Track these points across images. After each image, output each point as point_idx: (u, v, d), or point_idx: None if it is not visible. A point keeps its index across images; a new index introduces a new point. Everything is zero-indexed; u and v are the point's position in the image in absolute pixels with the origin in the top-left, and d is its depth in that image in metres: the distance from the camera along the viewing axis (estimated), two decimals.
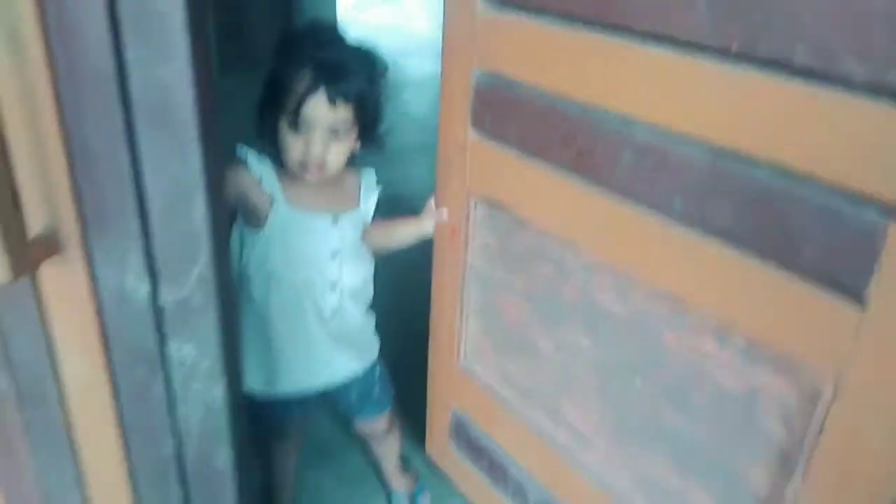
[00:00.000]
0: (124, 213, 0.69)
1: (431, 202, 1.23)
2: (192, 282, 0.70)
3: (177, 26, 0.61)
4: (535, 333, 1.11)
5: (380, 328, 1.33)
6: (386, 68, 1.11)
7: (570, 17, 0.85)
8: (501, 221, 1.10)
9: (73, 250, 0.72)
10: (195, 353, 0.72)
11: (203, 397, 0.73)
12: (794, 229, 0.69)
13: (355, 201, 1.20)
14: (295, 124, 1.05)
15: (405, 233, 1.27)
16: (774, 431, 0.78)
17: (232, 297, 0.76)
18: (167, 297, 0.72)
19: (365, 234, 1.23)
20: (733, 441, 0.83)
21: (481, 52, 0.99)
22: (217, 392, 0.72)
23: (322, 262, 1.15)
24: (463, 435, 1.34)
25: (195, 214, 0.68)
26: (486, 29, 0.97)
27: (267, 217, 1.10)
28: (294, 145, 1.07)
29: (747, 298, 0.76)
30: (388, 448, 1.48)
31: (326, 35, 1.10)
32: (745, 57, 0.69)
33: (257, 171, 1.09)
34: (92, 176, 0.68)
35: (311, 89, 1.02)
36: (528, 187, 1.01)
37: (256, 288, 1.14)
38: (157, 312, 0.73)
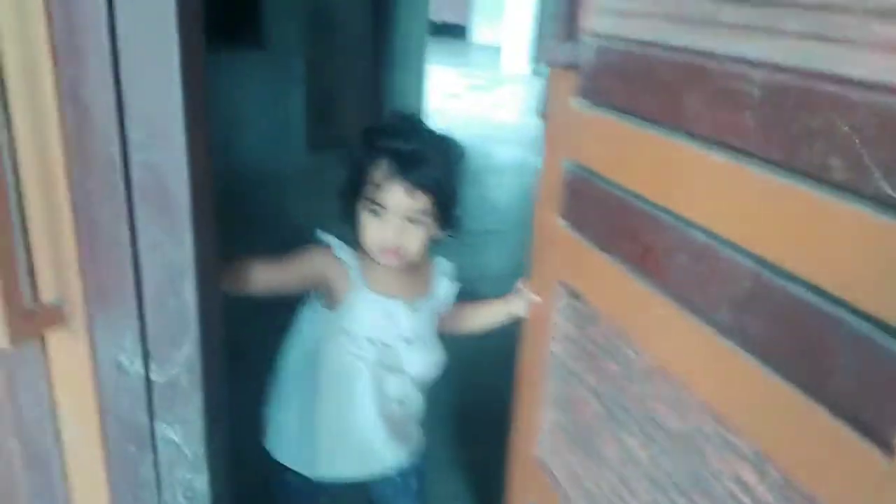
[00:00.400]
0: (123, 291, 0.70)
1: (521, 284, 1.23)
2: (180, 363, 0.70)
3: (174, 114, 0.63)
4: (601, 435, 1.08)
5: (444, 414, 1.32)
6: (463, 155, 1.14)
7: (643, 116, 0.87)
8: (581, 312, 1.09)
9: (77, 322, 0.74)
10: (180, 438, 0.71)
11: (185, 487, 0.72)
12: (826, 356, 0.63)
13: (431, 288, 1.22)
14: (374, 211, 1.08)
15: (495, 314, 1.28)
16: None
17: (220, 384, 0.76)
18: (157, 376, 0.72)
19: (451, 316, 1.25)
20: None
21: (572, 145, 1.05)
22: (199, 484, 0.71)
23: (395, 347, 1.15)
24: None
25: (186, 296, 0.68)
26: (577, 123, 1.02)
27: (344, 298, 1.12)
28: (372, 231, 1.09)
29: (782, 427, 0.69)
30: None
31: (405, 124, 1.14)
32: (786, 167, 0.66)
33: (339, 252, 1.12)
34: (97, 253, 0.71)
35: (388, 178, 1.05)
36: (601, 279, 1.01)
37: (321, 367, 1.15)
38: (149, 390, 0.74)
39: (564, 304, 1.13)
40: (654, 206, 0.86)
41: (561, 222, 1.09)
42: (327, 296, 1.14)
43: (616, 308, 0.99)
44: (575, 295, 1.09)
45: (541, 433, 1.24)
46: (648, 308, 0.89)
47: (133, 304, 0.73)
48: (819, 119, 0.63)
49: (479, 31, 12.68)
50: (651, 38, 0.84)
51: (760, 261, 0.70)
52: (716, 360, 0.78)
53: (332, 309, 1.13)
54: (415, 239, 1.10)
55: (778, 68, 0.67)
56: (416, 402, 1.22)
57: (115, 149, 0.67)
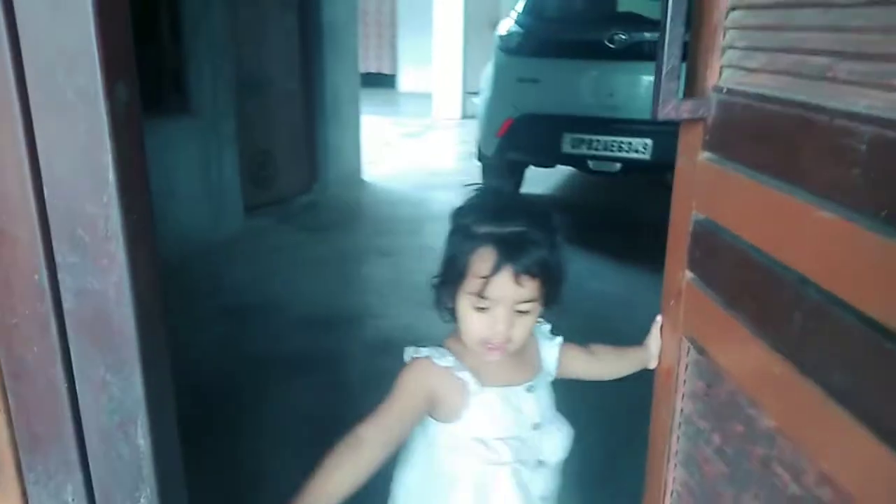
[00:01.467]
0: (62, 440, 0.59)
1: (656, 329, 1.19)
2: None
3: (112, 224, 0.54)
4: (724, 497, 1.04)
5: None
6: (560, 225, 1.05)
7: (763, 170, 0.89)
8: (706, 368, 1.08)
9: (6, 475, 0.62)
10: None
11: None
12: None
13: (539, 362, 1.14)
14: (479, 306, 0.99)
15: (628, 360, 1.23)
16: None
17: None
18: None
19: (581, 358, 1.20)
20: None
21: (699, 199, 1.06)
22: None
23: (528, 438, 1.06)
24: None
25: (139, 442, 0.57)
26: (706, 178, 1.04)
27: (462, 406, 1.03)
28: (478, 326, 1.01)
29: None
30: None
31: (501, 203, 1.05)
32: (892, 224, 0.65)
33: (444, 361, 1.03)
34: (26, 398, 0.59)
35: (495, 270, 0.97)
36: (725, 336, 1.00)
37: (456, 485, 1.05)
38: None
39: (691, 360, 1.11)
40: (773, 261, 0.85)
41: (688, 275, 1.09)
42: (441, 410, 1.04)
43: (738, 365, 0.97)
44: (701, 350, 1.08)
45: (670, 494, 1.21)
46: (767, 367, 0.88)
47: (74, 454, 0.61)
48: None
49: (407, 80, 12.83)
50: (771, 94, 0.86)
51: (871, 322, 0.67)
52: (829, 427, 0.75)
53: (451, 421, 1.03)
54: (524, 328, 1.02)
55: (887, 123, 0.65)
56: (555, 491, 1.13)
57: (43, 274, 0.57)
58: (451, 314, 1.05)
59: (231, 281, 3.65)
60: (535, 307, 1.02)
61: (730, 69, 0.95)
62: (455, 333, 1.07)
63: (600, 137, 4.27)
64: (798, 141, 0.79)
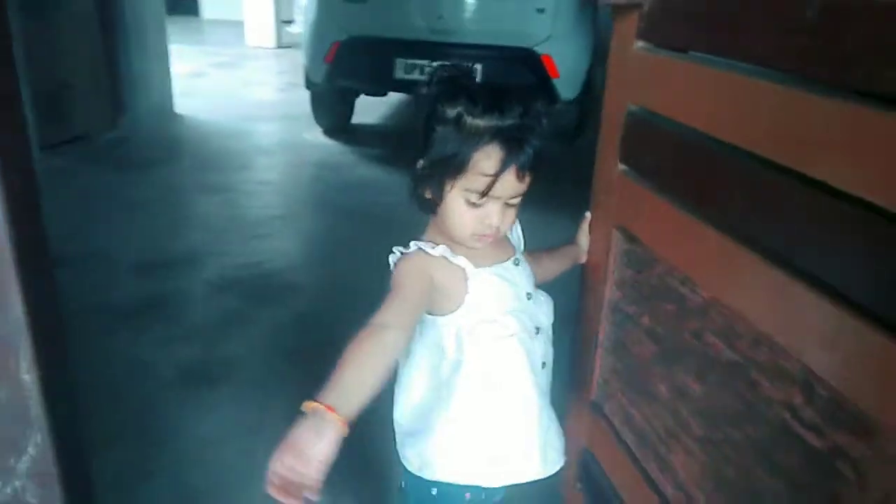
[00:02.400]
0: None
1: (586, 226, 1.24)
2: (22, 473, 0.48)
3: None
4: (655, 375, 1.09)
5: None
6: (544, 111, 1.01)
7: (701, 52, 0.92)
8: (637, 256, 1.12)
9: None
10: None
11: None
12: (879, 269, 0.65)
13: (514, 239, 1.16)
14: (475, 200, 0.98)
15: (564, 259, 1.27)
16: (853, 497, 0.72)
17: (87, 486, 0.54)
18: None
19: (534, 263, 1.19)
20: None
21: (634, 89, 1.07)
22: None
23: (525, 307, 1.08)
24: (590, 476, 1.31)
25: (22, 378, 0.46)
26: (640, 66, 1.05)
27: (463, 291, 1.03)
28: (471, 220, 1.00)
29: (829, 345, 0.72)
30: None
31: (492, 90, 0.99)
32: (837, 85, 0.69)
33: (436, 251, 1.01)
34: None
35: (502, 168, 0.95)
36: (658, 221, 1.03)
37: (473, 369, 1.05)
38: None
39: (620, 250, 1.14)
40: (712, 139, 0.87)
41: (620, 167, 1.10)
42: (441, 301, 1.03)
43: (672, 248, 1.01)
44: (632, 239, 1.11)
45: (596, 380, 1.25)
46: (704, 244, 0.91)
47: None
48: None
49: (211, 7, 11.84)
50: None
51: (813, 182, 0.70)
52: (767, 288, 0.79)
53: (454, 310, 1.03)
54: (511, 218, 1.03)
55: None
56: (551, 362, 1.14)
57: None
58: (429, 206, 1.03)
59: None
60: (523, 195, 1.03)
61: None
62: (433, 226, 1.07)
63: (433, 63, 4.23)
64: (739, 16, 0.81)
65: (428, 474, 1.10)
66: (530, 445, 1.09)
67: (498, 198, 0.98)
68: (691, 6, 0.92)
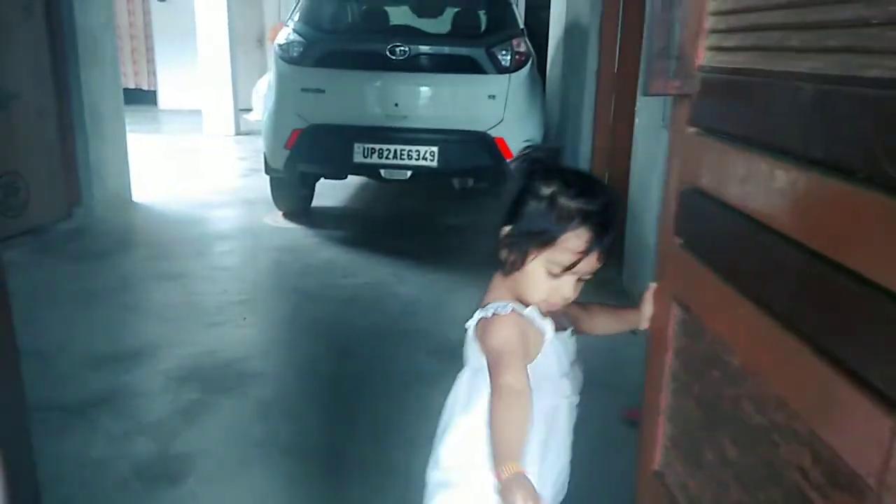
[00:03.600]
0: None
1: (650, 294, 1.28)
2: None
3: None
4: (702, 442, 1.14)
5: None
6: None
7: (739, 137, 1.01)
8: (690, 325, 1.18)
9: None
10: None
11: None
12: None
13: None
14: (556, 272, 1.09)
15: (622, 321, 1.33)
16: None
17: None
18: None
19: (586, 315, 1.27)
20: None
21: (687, 170, 1.17)
22: None
23: (571, 374, 1.18)
24: None
25: None
26: (692, 149, 1.15)
27: (538, 350, 1.13)
28: (548, 289, 1.11)
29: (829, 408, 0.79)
30: None
31: (580, 174, 1.14)
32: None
33: (526, 312, 1.12)
34: None
35: (589, 250, 1.06)
36: (707, 292, 1.10)
37: (536, 422, 1.13)
38: None
39: (678, 319, 1.21)
40: (752, 219, 0.95)
41: (676, 241, 1.20)
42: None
43: (717, 318, 1.08)
44: (686, 309, 1.18)
45: (659, 448, 1.30)
46: (737, 312, 0.99)
47: None
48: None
49: (168, 97, 11.97)
50: (743, 66, 0.98)
51: (842, 268, 0.76)
52: (783, 354, 0.87)
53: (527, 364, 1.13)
54: (579, 290, 1.14)
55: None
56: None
57: None
58: (508, 268, 1.12)
59: None
60: None
61: (712, 51, 1.08)
62: (503, 288, 1.15)
63: (390, 146, 4.33)
64: (769, 106, 0.91)
65: None
66: (552, 490, 1.22)
67: (576, 273, 1.09)
68: (728, 98, 1.04)
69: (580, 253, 1.06)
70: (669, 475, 1.29)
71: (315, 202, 5.37)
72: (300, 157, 4.46)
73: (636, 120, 3.56)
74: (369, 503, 1.97)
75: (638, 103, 3.57)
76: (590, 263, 1.08)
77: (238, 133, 9.43)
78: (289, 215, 5.10)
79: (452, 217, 5.34)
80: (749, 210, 0.97)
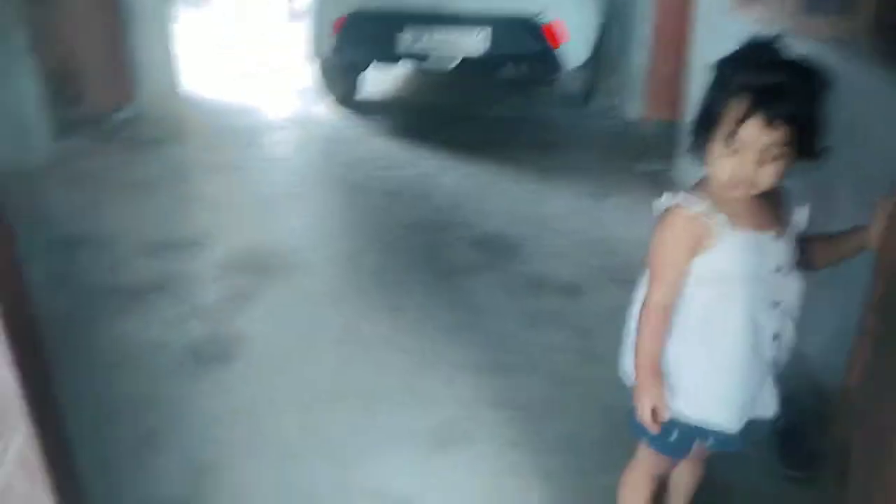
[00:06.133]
0: None
1: (880, 211, 1.22)
2: (7, 462, 0.50)
3: None
4: None
5: None
6: (827, 81, 1.10)
7: None
8: None
9: None
10: None
11: None
12: None
13: (787, 216, 1.22)
14: (730, 149, 1.09)
15: (847, 247, 1.28)
16: None
17: (73, 478, 0.56)
18: None
19: (807, 248, 1.25)
20: None
21: None
22: None
23: (767, 280, 1.17)
24: None
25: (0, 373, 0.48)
26: None
27: (710, 245, 1.14)
28: (727, 168, 1.10)
29: None
30: (693, 476, 1.50)
31: (764, 55, 1.10)
32: None
33: (697, 206, 1.13)
34: None
35: (747, 115, 1.05)
36: None
37: (696, 314, 1.19)
38: None
39: None
40: None
41: None
42: (698, 248, 1.16)
43: None
44: None
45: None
46: None
47: None
48: None
49: None
50: None
51: None
52: None
53: (698, 255, 1.16)
54: (769, 173, 1.10)
55: None
56: (790, 335, 1.23)
57: None
58: (703, 159, 1.14)
59: (53, 211, 3.25)
60: (785, 154, 1.08)
61: None
62: (704, 179, 1.17)
63: (437, 32, 4.19)
64: None
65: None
66: (728, 400, 1.22)
67: (750, 147, 1.07)
68: None
69: (737, 121, 1.06)
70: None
71: (364, 92, 5.30)
72: (346, 43, 4.36)
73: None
74: (408, 389, 2.06)
75: None
76: (755, 134, 1.06)
77: (290, 20, 9.26)
78: (337, 104, 5.06)
79: (502, 108, 5.20)
80: None
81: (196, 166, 4.05)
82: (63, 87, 4.23)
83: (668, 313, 1.18)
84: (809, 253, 1.26)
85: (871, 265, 1.31)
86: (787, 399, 1.68)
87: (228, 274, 2.72)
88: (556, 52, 4.19)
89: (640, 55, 4.54)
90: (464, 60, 4.24)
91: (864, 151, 1.84)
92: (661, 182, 3.31)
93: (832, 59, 2.04)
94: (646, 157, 3.90)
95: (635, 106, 4.62)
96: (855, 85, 1.91)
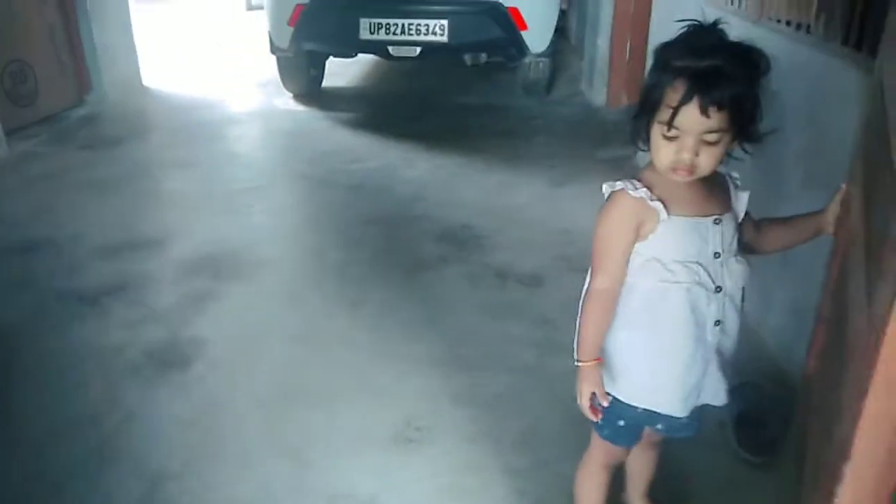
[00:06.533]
0: None
1: (838, 197, 1.24)
2: None
3: None
4: None
5: None
6: (767, 66, 1.09)
7: None
8: None
9: None
10: None
11: None
12: None
13: (728, 201, 1.22)
14: (667, 134, 1.09)
15: (802, 230, 1.30)
16: None
17: None
18: None
19: (754, 233, 1.27)
20: None
21: None
22: None
23: (706, 265, 1.17)
24: None
25: None
26: None
27: (650, 230, 1.16)
28: (666, 153, 1.10)
29: None
30: (649, 462, 1.52)
31: (700, 39, 1.09)
32: None
33: (637, 192, 1.14)
34: None
35: (683, 100, 1.05)
36: None
37: (638, 301, 1.20)
38: None
39: None
40: None
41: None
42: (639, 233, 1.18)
43: None
44: None
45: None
46: None
47: None
48: None
49: None
50: None
51: None
52: None
53: (641, 240, 1.17)
54: (709, 158, 1.10)
55: None
56: (734, 326, 1.24)
57: None
58: (646, 144, 1.14)
59: (8, 215, 3.18)
60: (724, 139, 1.09)
61: None
62: (649, 164, 1.16)
63: (398, 21, 4.15)
64: None
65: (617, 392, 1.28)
66: (671, 387, 1.23)
67: (688, 132, 1.07)
68: None
69: (675, 106, 1.05)
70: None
71: (325, 83, 5.24)
72: (304, 34, 4.30)
73: None
74: (367, 387, 2.06)
75: None
76: (693, 118, 1.05)
77: (249, 8, 9.10)
78: (298, 97, 5.00)
79: (465, 96, 5.18)
80: None
81: (156, 163, 3.97)
82: (13, 87, 4.12)
83: (611, 299, 1.20)
84: (762, 237, 1.28)
85: (832, 250, 1.32)
86: (747, 385, 1.72)
87: (188, 274, 2.67)
88: (523, 35, 4.19)
89: (602, 42, 4.54)
90: (424, 48, 4.21)
91: (817, 135, 1.87)
92: (624, 169, 3.31)
93: (786, 42, 2.10)
94: (608, 143, 3.92)
95: (599, 93, 4.63)
96: (808, 69, 1.93)
